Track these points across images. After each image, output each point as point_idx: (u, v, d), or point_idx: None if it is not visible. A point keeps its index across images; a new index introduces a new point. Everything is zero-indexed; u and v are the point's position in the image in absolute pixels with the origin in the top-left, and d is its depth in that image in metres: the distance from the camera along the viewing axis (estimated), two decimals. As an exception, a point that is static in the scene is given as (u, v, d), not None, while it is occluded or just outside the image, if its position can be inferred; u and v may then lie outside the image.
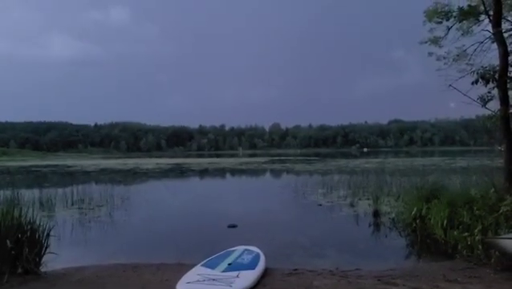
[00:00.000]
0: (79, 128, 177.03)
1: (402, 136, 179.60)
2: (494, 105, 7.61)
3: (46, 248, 5.79)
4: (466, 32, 7.89)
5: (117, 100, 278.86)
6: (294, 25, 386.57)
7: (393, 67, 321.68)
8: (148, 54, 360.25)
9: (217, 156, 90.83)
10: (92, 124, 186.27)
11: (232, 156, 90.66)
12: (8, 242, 5.21)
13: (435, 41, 8.08)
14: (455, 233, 6.66)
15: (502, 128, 7.28)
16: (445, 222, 7.11)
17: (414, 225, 8.26)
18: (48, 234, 5.86)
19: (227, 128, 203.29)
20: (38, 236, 5.73)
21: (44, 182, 22.53)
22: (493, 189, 6.94)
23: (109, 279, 5.33)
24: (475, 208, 6.58)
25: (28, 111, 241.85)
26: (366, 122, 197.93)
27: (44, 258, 5.76)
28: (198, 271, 5.04)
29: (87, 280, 5.28)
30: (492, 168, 12.16)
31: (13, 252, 5.29)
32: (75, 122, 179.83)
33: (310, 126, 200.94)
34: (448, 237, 6.94)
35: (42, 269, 5.65)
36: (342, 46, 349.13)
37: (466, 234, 6.30)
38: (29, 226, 5.66)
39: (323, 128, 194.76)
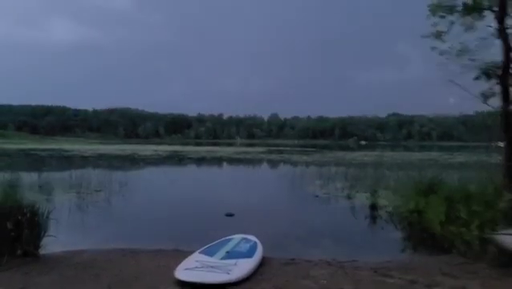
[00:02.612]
0: (77, 113, 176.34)
1: (400, 130, 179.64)
2: (495, 102, 7.60)
3: (46, 231, 5.80)
4: (470, 27, 7.82)
5: (116, 86, 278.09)
6: (297, 15, 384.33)
7: (394, 61, 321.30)
8: (148, 40, 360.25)
9: (215, 144, 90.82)
10: (90, 109, 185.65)
11: (230, 145, 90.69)
12: (8, 224, 5.24)
13: (438, 35, 8.01)
14: (452, 228, 6.68)
15: (503, 124, 7.28)
16: (442, 217, 7.14)
17: (411, 219, 8.30)
18: (47, 217, 5.87)
19: (225, 117, 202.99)
20: (38, 219, 5.74)
21: (42, 166, 22.50)
22: (491, 185, 6.97)
23: (107, 263, 5.35)
24: (473, 203, 6.60)
25: (26, 94, 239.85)
26: (364, 115, 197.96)
27: (43, 241, 5.77)
28: (196, 258, 5.07)
29: (86, 264, 5.31)
30: (490, 165, 12.21)
31: (12, 234, 5.31)
32: (73, 106, 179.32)
33: (308, 117, 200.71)
34: (444, 231, 6.97)
35: (42, 251, 5.67)
36: (344, 38, 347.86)
37: (463, 229, 6.33)
38: (28, 209, 5.67)
39: (321, 119, 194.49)
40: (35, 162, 29.02)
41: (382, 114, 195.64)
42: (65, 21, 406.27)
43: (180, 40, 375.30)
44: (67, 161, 30.46)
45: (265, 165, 31.16)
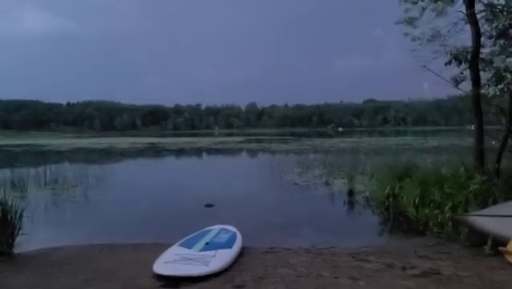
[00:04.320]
0: (50, 107, 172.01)
1: (376, 116, 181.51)
2: (466, 86, 7.77)
3: (19, 229, 5.67)
4: (441, 13, 7.92)
5: (91, 78, 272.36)
6: (272, 5, 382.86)
7: (370, 47, 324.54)
8: (124, 30, 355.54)
9: (193, 135, 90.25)
10: (65, 103, 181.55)
11: (208, 135, 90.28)
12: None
13: (410, 21, 8.09)
14: (426, 210, 6.85)
15: (473, 108, 7.45)
16: (417, 200, 7.30)
17: (387, 203, 8.45)
18: (21, 215, 5.74)
19: (203, 107, 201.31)
20: (11, 217, 5.61)
21: (16, 162, 22.01)
22: (463, 168, 7.15)
23: (84, 259, 5.28)
24: (446, 186, 6.76)
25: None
26: (341, 102, 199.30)
27: (17, 240, 5.65)
28: (175, 251, 5.04)
29: (62, 261, 5.22)
30: (462, 148, 12.50)
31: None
32: (46, 100, 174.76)
33: (286, 105, 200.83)
34: (419, 214, 7.13)
35: (16, 250, 5.56)
36: (320, 26, 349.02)
37: (437, 211, 6.49)
38: (0, 207, 5.54)
39: (299, 107, 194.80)
40: (8, 158, 28.33)
41: (358, 100, 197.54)
42: (37, 11, 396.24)
43: (155, 30, 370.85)
44: (42, 157, 29.80)
45: (244, 155, 31.17)
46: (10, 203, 5.72)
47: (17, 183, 12.26)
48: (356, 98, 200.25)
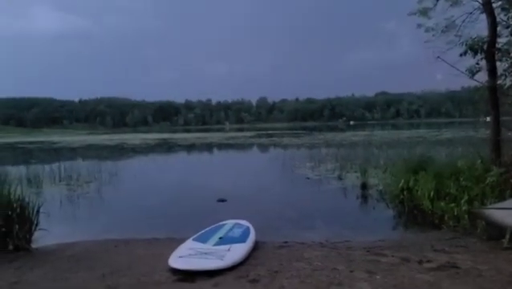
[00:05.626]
0: (63, 104, 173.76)
1: (388, 109, 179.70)
2: (482, 77, 7.64)
3: (37, 225, 5.76)
4: (455, 2, 7.79)
5: (102, 75, 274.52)
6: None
7: (382, 39, 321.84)
8: (135, 27, 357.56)
9: (204, 130, 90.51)
10: (77, 100, 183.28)
11: (219, 130, 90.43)
12: (-2, 219, 5.19)
13: (424, 12, 7.98)
14: (442, 204, 6.78)
15: (490, 99, 7.33)
16: (432, 193, 7.22)
17: (401, 196, 8.35)
18: (38, 211, 5.81)
19: (214, 103, 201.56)
20: (28, 213, 5.70)
21: (31, 159, 22.31)
22: (479, 160, 7.04)
23: (101, 254, 5.33)
24: (462, 179, 6.68)
25: (11, 86, 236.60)
26: (353, 95, 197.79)
27: (35, 235, 5.74)
28: (190, 245, 5.06)
29: (79, 255, 5.28)
30: (478, 140, 12.33)
31: (3, 229, 5.29)
32: (58, 98, 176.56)
33: (297, 99, 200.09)
34: (435, 208, 7.06)
35: (33, 245, 5.64)
36: (331, 19, 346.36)
37: (453, 204, 6.42)
38: (18, 203, 5.61)
39: (309, 101, 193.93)
40: (23, 155, 28.72)
41: (370, 93, 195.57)
42: (49, 9, 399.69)
43: (166, 26, 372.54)
44: (56, 153, 30.17)
45: (255, 150, 31.16)
46: (27, 199, 5.81)
47: (32, 179, 12.43)
48: (368, 91, 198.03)
